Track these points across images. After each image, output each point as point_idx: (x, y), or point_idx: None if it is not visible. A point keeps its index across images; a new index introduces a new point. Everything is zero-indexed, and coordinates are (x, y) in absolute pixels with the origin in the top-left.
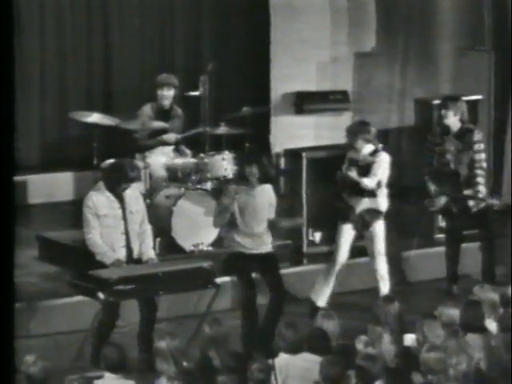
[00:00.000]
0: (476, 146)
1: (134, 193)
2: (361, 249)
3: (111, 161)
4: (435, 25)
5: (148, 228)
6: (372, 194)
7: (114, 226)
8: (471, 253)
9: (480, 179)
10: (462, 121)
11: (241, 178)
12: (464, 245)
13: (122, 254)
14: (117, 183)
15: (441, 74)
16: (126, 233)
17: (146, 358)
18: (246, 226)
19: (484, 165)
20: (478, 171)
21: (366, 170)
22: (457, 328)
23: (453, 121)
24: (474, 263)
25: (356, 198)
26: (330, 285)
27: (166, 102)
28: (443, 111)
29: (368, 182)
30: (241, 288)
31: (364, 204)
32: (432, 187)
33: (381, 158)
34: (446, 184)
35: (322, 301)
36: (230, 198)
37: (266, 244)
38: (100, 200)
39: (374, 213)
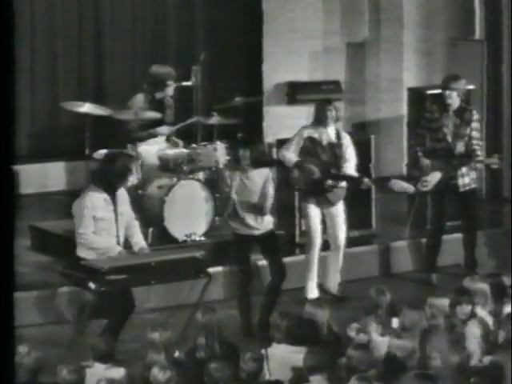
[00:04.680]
0: (474, 124)
1: (122, 192)
2: (358, 239)
3: (103, 152)
4: (428, 15)
5: (136, 224)
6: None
7: (108, 229)
8: (453, 244)
9: (479, 152)
10: (461, 100)
11: (234, 164)
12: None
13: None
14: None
15: (434, 64)
16: (117, 235)
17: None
18: (244, 210)
19: (481, 143)
20: (476, 147)
21: (331, 152)
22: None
23: (455, 100)
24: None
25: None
26: (314, 272)
27: (170, 94)
28: (447, 91)
29: (353, 171)
30: (239, 272)
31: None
32: (425, 163)
33: (347, 140)
34: (440, 159)
35: (312, 292)
36: (227, 185)
37: (267, 223)
38: (98, 202)
39: (340, 190)
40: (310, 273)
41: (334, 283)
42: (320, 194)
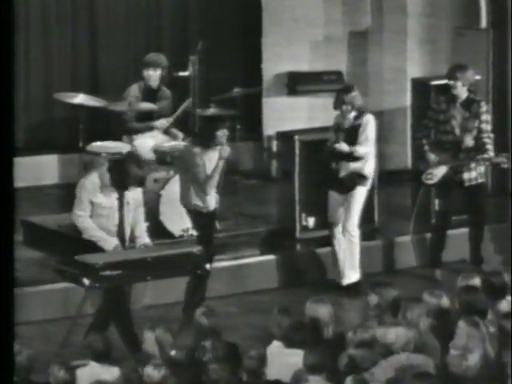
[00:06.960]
0: (483, 117)
1: None
2: (361, 234)
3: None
4: (432, 3)
5: (141, 212)
6: (358, 157)
7: (108, 216)
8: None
9: (489, 146)
10: (469, 90)
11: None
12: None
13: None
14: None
15: (438, 54)
16: (120, 223)
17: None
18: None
19: (491, 135)
20: (487, 140)
21: (352, 133)
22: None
23: (460, 91)
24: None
25: (342, 163)
26: (342, 258)
27: (153, 83)
28: (452, 81)
29: (362, 150)
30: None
31: (349, 167)
32: (431, 157)
33: (367, 120)
34: (446, 153)
35: (344, 279)
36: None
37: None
38: (99, 187)
39: (358, 176)
40: (338, 260)
41: (346, 273)
42: (334, 180)
